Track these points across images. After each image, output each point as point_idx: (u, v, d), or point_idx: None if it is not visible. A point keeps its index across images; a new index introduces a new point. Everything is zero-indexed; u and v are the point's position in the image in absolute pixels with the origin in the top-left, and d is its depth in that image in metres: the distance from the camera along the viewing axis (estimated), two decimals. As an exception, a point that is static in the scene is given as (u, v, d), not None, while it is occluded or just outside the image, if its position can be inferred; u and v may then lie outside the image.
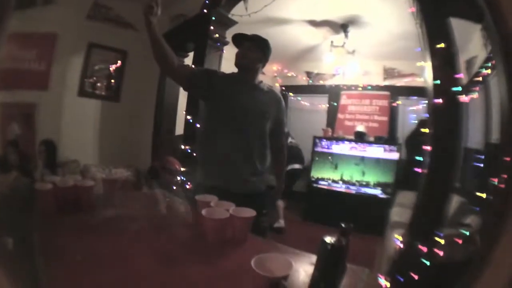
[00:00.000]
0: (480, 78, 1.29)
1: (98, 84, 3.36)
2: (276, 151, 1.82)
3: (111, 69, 3.41)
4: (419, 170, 1.31)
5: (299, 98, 4.96)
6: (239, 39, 1.70)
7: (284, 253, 1.03)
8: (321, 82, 4.75)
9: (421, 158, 1.28)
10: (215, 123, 1.66)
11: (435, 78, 1.26)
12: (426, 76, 1.34)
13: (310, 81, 4.85)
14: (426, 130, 1.27)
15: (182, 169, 2.71)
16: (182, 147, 2.75)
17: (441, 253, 1.18)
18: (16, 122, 2.76)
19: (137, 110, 3.52)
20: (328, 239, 0.80)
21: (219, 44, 2.74)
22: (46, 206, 1.29)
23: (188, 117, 2.67)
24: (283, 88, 5.04)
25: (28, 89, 2.89)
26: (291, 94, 5.01)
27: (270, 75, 5.07)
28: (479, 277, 0.78)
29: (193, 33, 2.88)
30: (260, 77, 1.75)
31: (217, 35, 2.70)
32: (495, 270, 0.76)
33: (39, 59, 2.93)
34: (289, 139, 3.86)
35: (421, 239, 1.24)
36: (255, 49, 1.67)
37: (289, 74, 4.94)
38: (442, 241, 1.19)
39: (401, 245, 1.38)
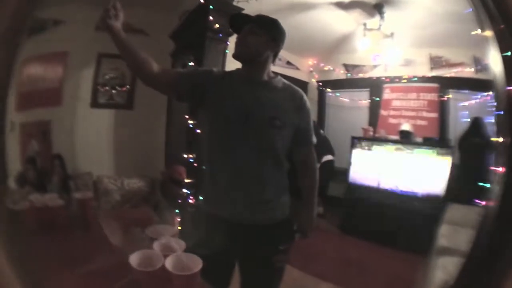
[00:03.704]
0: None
1: (111, 93, 3.30)
2: (301, 168, 1.43)
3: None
4: (481, 202, 0.83)
5: (338, 94, 4.47)
6: (237, 23, 1.31)
7: None
8: (361, 75, 4.26)
9: (487, 185, 0.80)
10: (211, 137, 1.32)
11: (503, 49, 0.78)
12: (489, 57, 0.85)
13: (349, 75, 4.36)
14: (498, 139, 0.78)
15: (187, 180, 2.46)
16: (185, 156, 2.48)
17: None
18: (35, 140, 2.87)
19: (151, 116, 3.38)
20: None
21: (221, 35, 2.38)
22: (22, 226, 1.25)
23: (190, 122, 2.39)
24: (320, 83, 4.60)
25: (44, 107, 2.96)
26: (328, 90, 4.55)
27: (306, 70, 4.65)
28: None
29: (195, 28, 2.60)
30: (271, 70, 1.35)
31: (217, 26, 2.34)
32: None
33: (51, 77, 2.99)
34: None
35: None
36: (258, 32, 1.26)
37: (326, 68, 4.49)
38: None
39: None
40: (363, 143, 3.71)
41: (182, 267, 0.86)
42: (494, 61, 0.82)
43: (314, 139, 1.42)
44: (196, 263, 0.87)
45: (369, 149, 3.65)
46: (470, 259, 0.83)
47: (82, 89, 3.15)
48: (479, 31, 0.90)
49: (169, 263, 0.85)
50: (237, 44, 1.29)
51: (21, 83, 2.77)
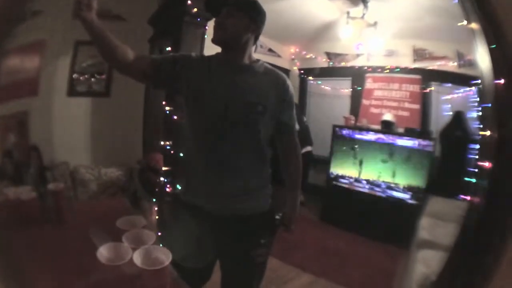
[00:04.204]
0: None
1: (88, 81, 3.19)
2: (285, 156, 1.38)
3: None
4: (466, 197, 0.81)
5: (319, 82, 4.44)
6: (215, 5, 1.24)
7: None
8: (343, 64, 4.21)
9: (472, 180, 0.78)
10: (190, 124, 1.27)
11: (489, 42, 0.75)
12: (475, 50, 0.83)
13: (331, 63, 4.31)
14: (485, 133, 0.76)
15: (164, 168, 2.42)
16: (162, 143, 2.44)
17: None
18: (12, 132, 2.75)
19: (128, 104, 3.25)
20: None
21: (199, 19, 2.29)
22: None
23: (167, 108, 2.36)
24: (302, 71, 4.57)
25: (21, 98, 2.80)
26: (310, 78, 4.52)
27: (288, 58, 4.62)
28: None
29: (173, 12, 2.49)
30: (253, 54, 1.29)
31: (195, 9, 2.25)
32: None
33: (28, 67, 2.85)
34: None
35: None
36: (237, 14, 1.19)
37: (308, 56, 4.44)
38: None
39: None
40: (344, 132, 3.71)
41: (151, 261, 0.81)
42: (480, 54, 0.79)
43: (297, 126, 1.38)
44: (166, 256, 0.82)
45: (350, 139, 3.64)
46: (453, 254, 0.81)
47: (59, 78, 3.05)
48: (465, 22, 0.87)
49: (137, 256, 0.80)
50: (216, 28, 1.22)
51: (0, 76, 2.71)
